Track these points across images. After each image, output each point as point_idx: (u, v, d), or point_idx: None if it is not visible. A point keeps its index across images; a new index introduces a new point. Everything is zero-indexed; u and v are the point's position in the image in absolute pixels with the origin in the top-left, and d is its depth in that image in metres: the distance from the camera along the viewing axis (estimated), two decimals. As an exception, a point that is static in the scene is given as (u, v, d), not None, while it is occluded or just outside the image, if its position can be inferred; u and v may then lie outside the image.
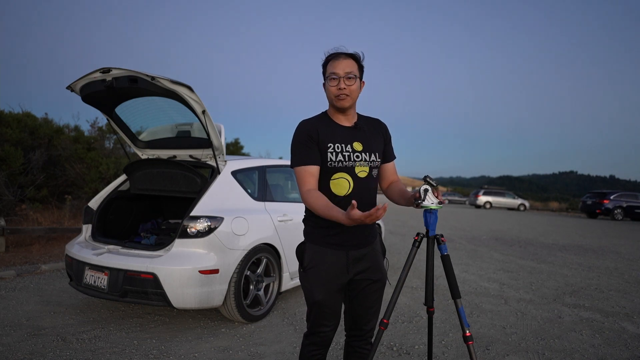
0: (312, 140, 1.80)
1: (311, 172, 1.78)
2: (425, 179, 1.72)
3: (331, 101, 1.86)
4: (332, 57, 1.84)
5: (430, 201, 1.72)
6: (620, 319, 4.06)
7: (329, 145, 1.81)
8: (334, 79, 1.80)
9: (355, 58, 1.84)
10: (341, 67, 1.79)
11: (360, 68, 1.86)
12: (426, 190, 1.72)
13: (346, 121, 1.89)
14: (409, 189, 1.92)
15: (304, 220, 1.96)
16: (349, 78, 1.79)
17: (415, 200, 1.77)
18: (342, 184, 1.82)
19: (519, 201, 29.55)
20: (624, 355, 3.16)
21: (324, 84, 1.88)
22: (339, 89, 1.79)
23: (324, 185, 1.83)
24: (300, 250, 1.91)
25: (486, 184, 56.00)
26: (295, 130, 1.86)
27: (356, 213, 1.49)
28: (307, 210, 1.94)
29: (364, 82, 1.90)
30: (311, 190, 1.75)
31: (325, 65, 1.85)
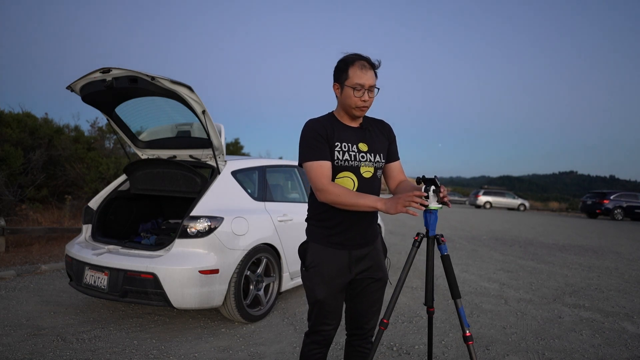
0: (322, 137, 1.80)
1: (326, 167, 1.77)
2: (435, 180, 1.69)
3: (348, 108, 1.82)
4: (358, 65, 1.77)
5: (432, 201, 1.72)
6: (620, 319, 4.06)
7: (336, 143, 1.81)
8: (359, 89, 1.77)
9: (376, 70, 1.82)
10: (367, 78, 1.76)
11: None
12: (435, 191, 1.71)
13: (353, 122, 1.90)
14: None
15: (306, 220, 1.97)
16: (371, 91, 1.79)
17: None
18: (346, 183, 1.83)
19: (519, 201, 29.53)
20: (624, 355, 3.16)
21: (336, 86, 1.85)
22: (363, 100, 1.78)
23: None
24: (303, 249, 1.91)
25: (486, 184, 55.96)
26: (305, 128, 1.84)
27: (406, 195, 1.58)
28: (310, 210, 1.94)
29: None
30: (332, 183, 1.75)
31: (346, 70, 1.78)
